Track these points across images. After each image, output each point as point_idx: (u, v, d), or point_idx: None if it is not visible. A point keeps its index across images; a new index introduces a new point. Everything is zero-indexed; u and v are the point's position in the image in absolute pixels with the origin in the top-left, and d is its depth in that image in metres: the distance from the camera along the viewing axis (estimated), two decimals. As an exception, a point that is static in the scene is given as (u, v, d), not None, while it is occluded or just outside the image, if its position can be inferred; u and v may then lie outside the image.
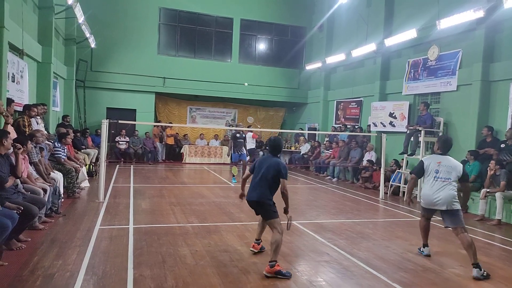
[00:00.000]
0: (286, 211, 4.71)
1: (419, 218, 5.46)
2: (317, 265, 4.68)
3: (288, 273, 4.24)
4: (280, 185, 4.54)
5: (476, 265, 4.51)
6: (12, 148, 5.03)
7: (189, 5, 16.53)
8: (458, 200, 4.86)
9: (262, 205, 4.53)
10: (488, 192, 7.68)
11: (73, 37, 14.03)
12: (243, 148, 11.45)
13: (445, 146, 5.11)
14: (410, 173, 5.18)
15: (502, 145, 8.21)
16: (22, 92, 9.03)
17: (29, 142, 5.78)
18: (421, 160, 5.18)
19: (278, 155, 4.83)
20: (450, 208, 4.80)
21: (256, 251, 4.98)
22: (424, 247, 5.34)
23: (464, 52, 9.80)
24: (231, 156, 11.56)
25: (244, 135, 11.64)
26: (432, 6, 10.60)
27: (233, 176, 11.36)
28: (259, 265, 4.53)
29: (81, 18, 11.10)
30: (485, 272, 4.49)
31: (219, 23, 17.24)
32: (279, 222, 4.46)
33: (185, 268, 4.32)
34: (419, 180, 5.61)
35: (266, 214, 4.56)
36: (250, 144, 12.45)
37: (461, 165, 4.99)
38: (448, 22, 9.13)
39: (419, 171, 5.10)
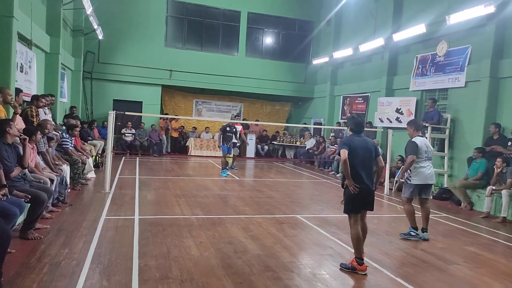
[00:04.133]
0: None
1: (410, 209, 5.85)
2: (321, 259, 4.69)
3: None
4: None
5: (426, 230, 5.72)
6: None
7: (197, -2, 16.51)
8: None
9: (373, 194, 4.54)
10: (494, 189, 7.63)
11: (80, 29, 14.06)
12: (232, 141, 11.77)
13: (419, 126, 5.90)
14: (410, 154, 5.67)
15: (510, 143, 8.16)
16: (31, 83, 9.09)
17: (38, 132, 5.83)
18: (414, 142, 5.68)
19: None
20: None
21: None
22: (422, 231, 5.80)
23: (473, 48, 9.70)
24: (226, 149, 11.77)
25: (234, 129, 11.81)
26: (441, 1, 10.48)
27: (223, 169, 11.34)
28: (262, 257, 4.56)
29: (89, 9, 11.10)
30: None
31: (227, 16, 17.18)
32: None
33: (190, 259, 4.36)
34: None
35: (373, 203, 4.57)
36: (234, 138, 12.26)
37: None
38: (458, 18, 9.04)
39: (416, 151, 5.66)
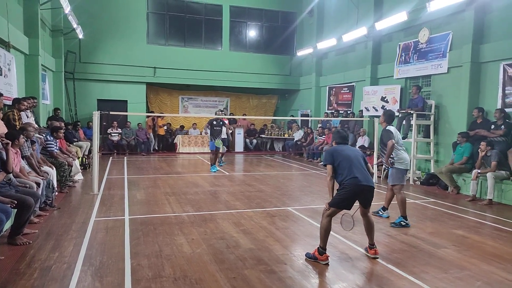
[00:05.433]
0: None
1: (404, 198, 5.91)
2: (313, 249, 4.72)
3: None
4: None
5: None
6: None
7: (177, -7, 16.31)
8: None
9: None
10: (479, 173, 7.78)
11: (60, 28, 13.79)
12: (220, 136, 11.37)
13: (391, 120, 6.03)
14: (389, 140, 5.78)
15: (492, 126, 8.30)
16: (11, 86, 8.89)
17: (21, 136, 5.72)
18: (389, 130, 5.86)
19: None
20: None
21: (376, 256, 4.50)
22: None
23: (454, 34, 9.82)
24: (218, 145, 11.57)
25: (221, 122, 11.57)
26: (422, -11, 10.55)
27: (212, 165, 11.31)
28: (255, 251, 4.57)
29: (67, 8, 10.87)
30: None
31: (209, 11, 17.03)
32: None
33: (182, 257, 4.35)
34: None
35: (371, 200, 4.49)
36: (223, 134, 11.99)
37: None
38: (438, 4, 9.12)
39: (393, 137, 5.80)
